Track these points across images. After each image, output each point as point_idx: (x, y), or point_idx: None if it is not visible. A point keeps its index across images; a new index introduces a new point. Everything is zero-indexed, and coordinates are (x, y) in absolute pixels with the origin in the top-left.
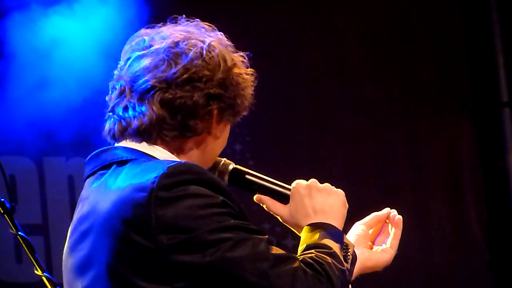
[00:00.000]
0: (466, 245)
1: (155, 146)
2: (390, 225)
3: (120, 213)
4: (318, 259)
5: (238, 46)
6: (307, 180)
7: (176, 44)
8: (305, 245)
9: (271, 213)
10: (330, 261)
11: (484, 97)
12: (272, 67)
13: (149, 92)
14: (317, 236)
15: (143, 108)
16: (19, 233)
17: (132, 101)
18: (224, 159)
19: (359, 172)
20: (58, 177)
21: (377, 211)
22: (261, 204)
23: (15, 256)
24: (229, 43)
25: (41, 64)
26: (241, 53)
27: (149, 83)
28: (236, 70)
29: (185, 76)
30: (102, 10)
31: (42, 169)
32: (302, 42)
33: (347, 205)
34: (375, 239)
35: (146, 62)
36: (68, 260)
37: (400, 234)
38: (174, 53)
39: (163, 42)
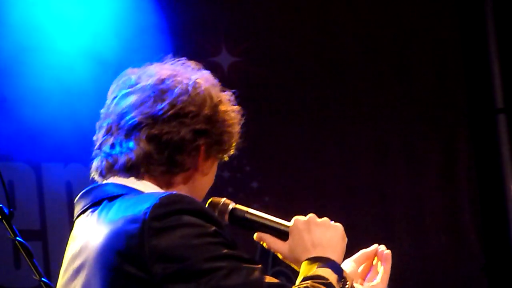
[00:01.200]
0: (462, 250)
1: (143, 181)
2: (379, 261)
3: (113, 245)
4: None
5: (236, 51)
6: (306, 215)
7: (162, 81)
8: (302, 277)
9: (271, 250)
10: None
11: (479, 103)
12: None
13: (136, 128)
14: (314, 268)
15: (130, 144)
16: (17, 238)
17: (119, 137)
18: (224, 198)
19: (355, 179)
20: (56, 183)
21: (373, 217)
22: (260, 242)
23: (14, 261)
24: (215, 81)
25: (38, 67)
26: (227, 92)
27: (136, 119)
28: (222, 107)
29: (171, 112)
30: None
31: (40, 175)
32: (297, 45)
33: (346, 238)
34: (366, 275)
35: (132, 99)
36: None
37: (390, 268)
38: (160, 89)
39: (149, 79)
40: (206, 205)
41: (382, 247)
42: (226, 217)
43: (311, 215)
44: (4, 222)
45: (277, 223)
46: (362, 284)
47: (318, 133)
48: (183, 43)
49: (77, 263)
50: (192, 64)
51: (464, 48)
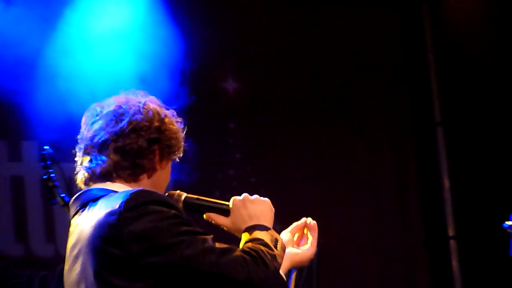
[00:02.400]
0: (407, 228)
1: (115, 183)
2: (308, 231)
3: (99, 233)
4: (254, 248)
5: (240, 78)
6: (240, 196)
7: (119, 106)
8: (243, 242)
9: (218, 225)
10: (263, 248)
11: (422, 118)
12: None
13: (105, 144)
14: (252, 233)
15: (103, 158)
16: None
17: (94, 154)
18: (178, 191)
19: (327, 181)
20: None
21: (343, 198)
22: (209, 220)
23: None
24: (159, 102)
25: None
26: (171, 109)
27: (103, 137)
28: (167, 120)
29: (129, 128)
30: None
31: None
32: (287, 74)
33: (273, 209)
34: (300, 242)
35: (99, 124)
36: (67, 278)
37: (317, 236)
38: (119, 113)
39: (110, 107)
40: (176, 195)
41: (310, 219)
42: (181, 205)
43: (245, 194)
44: (66, 209)
45: (220, 203)
46: (297, 250)
47: (302, 141)
48: (196, 71)
49: (75, 251)
50: (141, 92)
51: (408, 73)
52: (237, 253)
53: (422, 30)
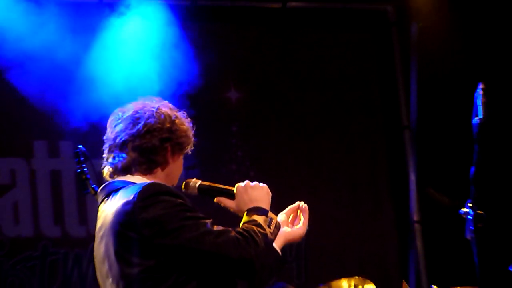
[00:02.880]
0: (380, 213)
1: (135, 176)
2: (301, 212)
3: (118, 219)
4: (247, 229)
5: (242, 89)
6: (243, 182)
7: (136, 112)
8: (241, 223)
9: (226, 207)
10: (255, 228)
11: (392, 122)
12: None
13: (125, 144)
14: (250, 215)
15: (123, 155)
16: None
17: (116, 152)
18: (194, 179)
19: (319, 167)
20: None
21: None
22: (219, 203)
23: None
24: (171, 106)
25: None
26: (182, 111)
27: (124, 138)
28: (177, 121)
29: (144, 129)
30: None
31: None
32: (283, 84)
33: (270, 193)
34: (293, 222)
35: (121, 126)
36: (96, 255)
37: (308, 217)
38: (136, 117)
39: (129, 111)
40: (183, 184)
41: (302, 203)
42: (196, 191)
43: (246, 181)
44: (95, 197)
45: (227, 189)
46: (291, 228)
47: (293, 142)
48: (202, 83)
49: (100, 233)
50: (155, 98)
51: (379, 86)
52: (232, 234)
53: (391, 49)
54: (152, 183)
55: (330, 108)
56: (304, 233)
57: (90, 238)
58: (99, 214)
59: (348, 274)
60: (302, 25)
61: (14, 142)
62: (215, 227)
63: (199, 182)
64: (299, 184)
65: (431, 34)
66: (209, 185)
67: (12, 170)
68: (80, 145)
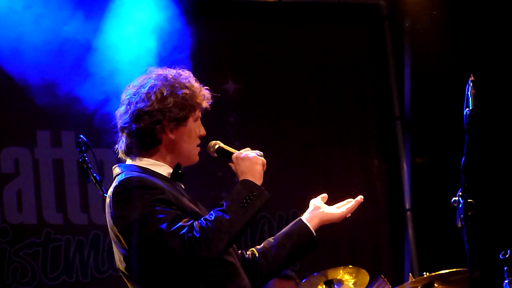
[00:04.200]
0: (373, 203)
1: (136, 159)
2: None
3: (108, 210)
4: (204, 226)
5: (239, 80)
6: (242, 151)
7: (130, 96)
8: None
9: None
10: (215, 224)
11: (385, 113)
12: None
13: (122, 131)
14: (236, 188)
15: (124, 140)
16: (105, 194)
17: (121, 136)
18: (215, 141)
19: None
20: None
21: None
22: (232, 167)
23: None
24: (169, 72)
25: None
26: (182, 69)
27: (121, 124)
28: (169, 95)
29: (135, 115)
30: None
31: None
32: (280, 77)
33: (263, 163)
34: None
35: (120, 110)
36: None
37: (354, 208)
38: (129, 102)
39: (126, 94)
40: (212, 145)
41: (361, 197)
42: (215, 153)
43: (240, 151)
44: (97, 185)
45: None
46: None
47: (289, 132)
48: (200, 74)
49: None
50: (155, 70)
51: (373, 78)
52: (188, 232)
53: (384, 42)
54: (127, 177)
55: (324, 99)
56: (343, 217)
57: (91, 225)
58: (108, 192)
59: (340, 262)
60: (297, 19)
61: (17, 132)
62: (183, 220)
63: (219, 144)
64: (294, 173)
65: (423, 27)
66: (224, 149)
67: (15, 159)
68: (82, 135)
